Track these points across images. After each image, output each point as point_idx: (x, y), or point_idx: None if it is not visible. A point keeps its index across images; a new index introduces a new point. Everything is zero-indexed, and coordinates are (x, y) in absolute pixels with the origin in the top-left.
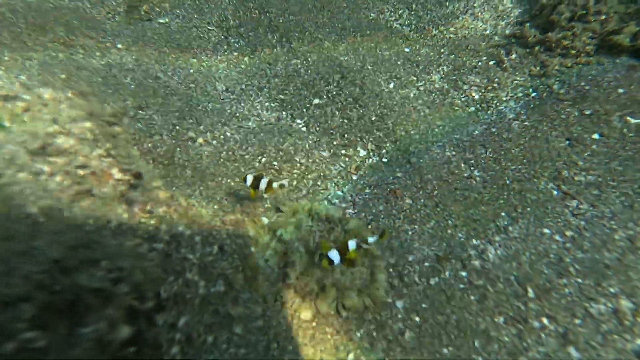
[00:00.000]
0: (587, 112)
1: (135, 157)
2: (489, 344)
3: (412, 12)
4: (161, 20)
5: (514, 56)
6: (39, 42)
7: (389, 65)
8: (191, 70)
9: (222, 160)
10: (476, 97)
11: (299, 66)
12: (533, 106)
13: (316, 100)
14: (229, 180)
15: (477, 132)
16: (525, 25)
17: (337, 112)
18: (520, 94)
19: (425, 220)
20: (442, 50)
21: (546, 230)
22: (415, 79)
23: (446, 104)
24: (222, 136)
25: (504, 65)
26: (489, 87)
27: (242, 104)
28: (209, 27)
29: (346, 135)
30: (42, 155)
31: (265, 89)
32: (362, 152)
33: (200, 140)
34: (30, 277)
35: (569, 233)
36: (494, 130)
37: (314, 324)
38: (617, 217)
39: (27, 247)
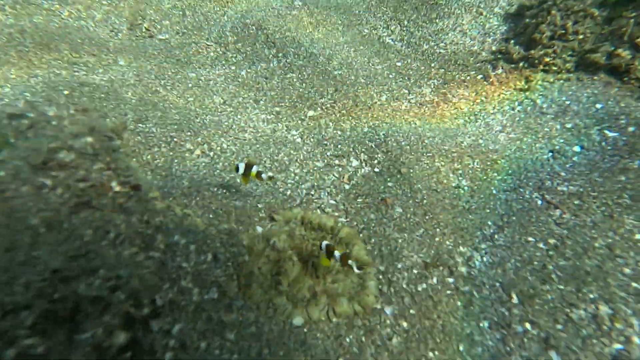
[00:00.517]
0: (568, 126)
1: (134, 170)
2: (473, 347)
3: (404, 28)
4: (161, 37)
5: (500, 71)
6: (44, 60)
7: (381, 78)
8: (190, 84)
9: (218, 171)
10: (465, 109)
11: (294, 80)
12: (518, 119)
13: (311, 112)
14: (224, 190)
15: (465, 143)
16: (510, 42)
17: (331, 124)
18: (507, 107)
19: (415, 228)
20: (432, 65)
21: (530, 239)
22: (406, 91)
23: (436, 116)
24: (219, 148)
25: (491, 80)
26: (477, 100)
27: (239, 116)
28: (208, 43)
29: (339, 146)
30: (45, 169)
31: (261, 102)
32: (355, 162)
33: (198, 151)
34: (31, 286)
35: (552, 241)
36: (481, 141)
37: (305, 330)
38: (598, 226)
39: (28, 257)
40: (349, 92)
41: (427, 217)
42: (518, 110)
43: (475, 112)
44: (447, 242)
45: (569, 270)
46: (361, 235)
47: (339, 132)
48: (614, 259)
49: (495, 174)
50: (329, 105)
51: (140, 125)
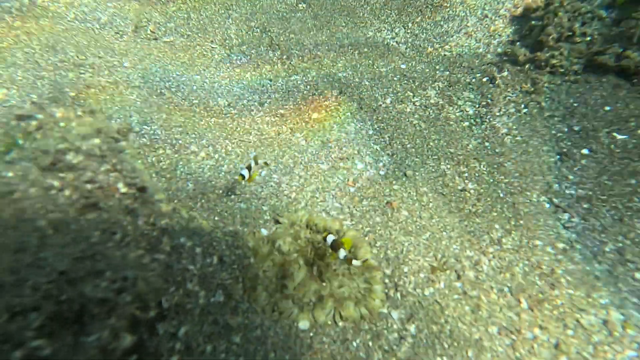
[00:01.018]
0: (576, 128)
1: (140, 171)
2: (482, 353)
3: (409, 31)
4: (166, 39)
5: (505, 73)
6: (51, 62)
7: (386, 81)
8: (194, 87)
9: (223, 173)
10: (470, 112)
11: (299, 82)
12: (524, 122)
13: (315, 115)
14: (229, 193)
15: (471, 146)
16: (516, 44)
17: (335, 126)
18: (512, 110)
19: (421, 231)
20: (437, 67)
21: (538, 242)
22: (411, 94)
23: (441, 118)
24: (223, 150)
25: (497, 82)
26: (483, 103)
27: (244, 119)
28: (212, 45)
29: (344, 149)
30: (53, 171)
31: (266, 104)
32: (360, 165)
33: (202, 154)
34: (38, 288)
35: (560, 245)
36: (487, 144)
37: (311, 333)
38: (608, 230)
39: (36, 258)
40: (353, 95)
41: (433, 221)
42: (524, 113)
43: (481, 114)
44: (454, 246)
45: (579, 275)
46: (367, 238)
47: (344, 135)
48: (624, 263)
49: (502, 177)
50: (333, 108)
51: (145, 127)
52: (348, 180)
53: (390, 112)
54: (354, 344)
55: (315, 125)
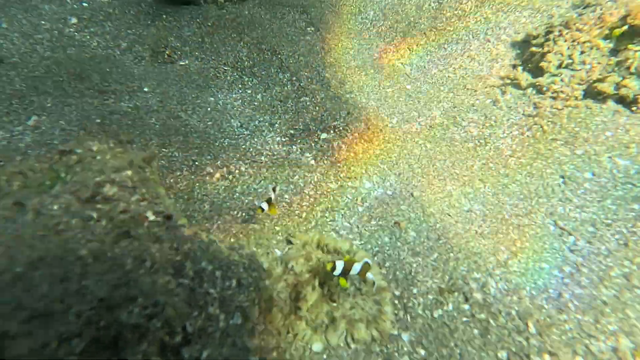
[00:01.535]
0: (579, 152)
1: (163, 197)
2: None
3: (413, 53)
4: (182, 63)
5: (508, 96)
6: (77, 89)
7: (392, 101)
8: (209, 109)
9: (237, 194)
10: (474, 133)
11: (308, 103)
12: (528, 144)
13: (324, 135)
14: (243, 214)
15: (476, 167)
16: (518, 69)
17: (343, 146)
18: (516, 132)
19: (429, 252)
20: (441, 88)
21: (545, 265)
22: (416, 114)
23: (446, 139)
24: (237, 171)
25: (500, 105)
26: (487, 124)
27: (255, 139)
28: (225, 68)
29: (352, 168)
30: (92, 203)
31: (276, 125)
32: (368, 184)
33: (217, 175)
34: (81, 315)
35: (567, 269)
36: (491, 165)
37: (324, 356)
38: (613, 254)
39: (79, 286)
40: (360, 115)
41: (440, 242)
42: (527, 136)
43: (485, 136)
44: (461, 268)
45: (586, 299)
46: (375, 258)
47: (352, 155)
48: (631, 289)
49: (507, 199)
50: (341, 128)
51: (163, 150)
52: (357, 199)
53: (397, 132)
54: None
55: (324, 145)
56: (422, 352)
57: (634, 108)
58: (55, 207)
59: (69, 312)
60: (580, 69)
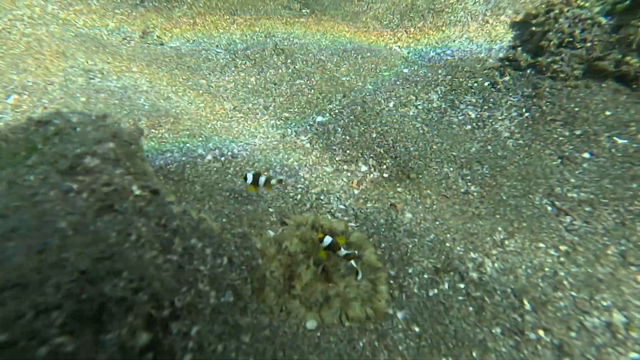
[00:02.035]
0: (578, 132)
1: (150, 174)
2: (487, 354)
3: (410, 36)
4: (172, 45)
5: (507, 78)
6: (60, 68)
7: (388, 85)
8: (200, 91)
9: (230, 176)
10: (472, 115)
11: (303, 86)
12: (527, 125)
13: (319, 118)
14: (236, 195)
15: (473, 149)
16: (517, 49)
17: (339, 129)
18: (515, 114)
19: (425, 233)
20: (439, 72)
21: (541, 245)
22: (414, 98)
23: (444, 122)
24: (230, 153)
25: (499, 87)
26: (485, 107)
27: (249, 122)
28: (218, 50)
29: (348, 152)
30: (72, 174)
31: (270, 108)
32: (364, 168)
33: (209, 157)
34: (61, 287)
35: (563, 248)
36: (489, 147)
37: (318, 333)
38: (610, 233)
39: (58, 258)
40: (357, 99)
41: (437, 223)
42: (526, 117)
43: (483, 118)
44: (458, 248)
45: (581, 277)
46: (371, 239)
47: (348, 138)
48: (627, 266)
49: (505, 180)
50: (337, 111)
51: (153, 130)
52: (352, 182)
53: (394, 116)
54: (360, 343)
55: (320, 128)
56: (417, 329)
57: (634, 86)
58: (32, 177)
59: (47, 284)
60: (580, 47)
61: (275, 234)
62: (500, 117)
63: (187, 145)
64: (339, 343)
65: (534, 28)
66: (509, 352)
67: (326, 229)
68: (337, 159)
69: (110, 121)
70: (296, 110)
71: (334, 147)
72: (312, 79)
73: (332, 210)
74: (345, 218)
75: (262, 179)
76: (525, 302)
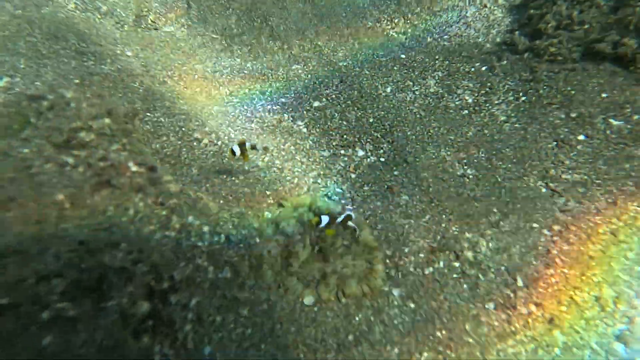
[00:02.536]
0: (573, 115)
1: (147, 154)
2: (480, 327)
3: (408, 21)
4: (167, 29)
5: (505, 62)
6: (53, 50)
7: (386, 70)
8: (196, 76)
9: (227, 159)
10: (469, 100)
11: (300, 71)
12: (523, 109)
13: (316, 103)
14: (233, 178)
15: (470, 133)
16: (515, 33)
17: (336, 114)
18: (511, 98)
19: (421, 214)
20: (436, 57)
21: (535, 225)
22: (411, 83)
23: (441, 107)
24: (226, 137)
25: (496, 71)
26: (482, 92)
27: (245, 107)
28: (213, 36)
29: (345, 136)
30: (67, 148)
31: (267, 93)
32: (361, 152)
33: (206, 140)
34: (60, 256)
35: (556, 227)
36: (486, 131)
37: (315, 308)
38: (602, 212)
39: (56, 229)
40: (354, 84)
41: (433, 204)
42: (523, 101)
43: (480, 103)
44: (453, 228)
45: (573, 254)
46: (368, 221)
47: (345, 123)
48: (618, 244)
49: (500, 163)
50: (334, 96)
51: (148, 114)
52: (349, 166)
53: (391, 101)
54: (357, 318)
55: (317, 113)
56: (412, 305)
57: (631, 67)
58: (26, 150)
59: (47, 253)
60: (578, 29)
61: (273, 215)
62: (497, 102)
63: (183, 129)
64: (336, 318)
65: (532, 11)
66: (501, 325)
67: (323, 211)
68: (334, 143)
69: (109, 100)
70: (293, 95)
71: (331, 132)
72: (309, 64)
73: (329, 193)
74: (343, 201)
75: (248, 144)
76: (518, 279)
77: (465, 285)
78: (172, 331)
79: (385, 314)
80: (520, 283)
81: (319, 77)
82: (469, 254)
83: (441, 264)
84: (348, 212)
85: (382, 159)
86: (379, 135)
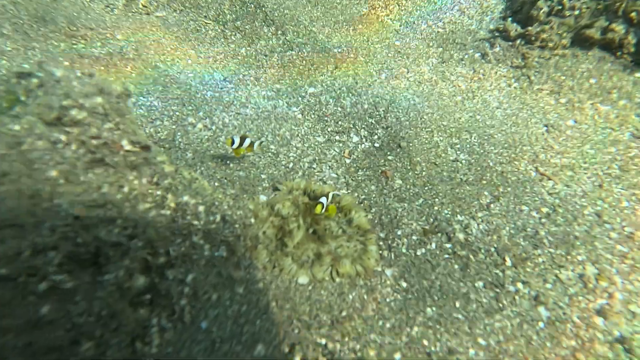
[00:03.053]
0: (563, 101)
1: (141, 135)
2: (469, 304)
3: (402, 8)
4: (158, 14)
5: (497, 49)
6: (41, 33)
7: (380, 57)
8: (189, 61)
9: (221, 143)
10: (463, 87)
11: (294, 57)
12: (515, 95)
13: (311, 90)
14: (228, 162)
15: (463, 119)
16: (507, 20)
17: (331, 101)
18: (503, 84)
19: (414, 198)
20: (430, 44)
21: (524, 208)
22: (405, 70)
23: (435, 93)
24: (220, 122)
25: (489, 58)
26: (475, 78)
27: (240, 93)
28: (206, 21)
29: (340, 122)
30: (58, 125)
31: (261, 79)
32: (355, 138)
33: (200, 125)
34: (55, 229)
35: (544, 209)
36: (478, 117)
37: (310, 287)
38: (588, 195)
39: (51, 204)
40: (349, 70)
41: (426, 188)
42: (514, 87)
43: (473, 89)
44: (445, 211)
45: (560, 235)
46: (362, 205)
47: (340, 109)
48: (602, 224)
49: (492, 148)
50: (329, 82)
51: (142, 98)
52: (344, 152)
53: (385, 87)
54: (350, 296)
55: (312, 99)
56: (404, 284)
57: (618, 53)
58: (17, 127)
59: (42, 226)
60: (569, 15)
61: (268, 198)
62: (489, 88)
63: (177, 113)
64: (330, 296)
65: None
66: (489, 302)
67: (318, 194)
68: (329, 129)
69: (97, 79)
70: (287, 81)
71: (326, 118)
72: (304, 50)
73: (324, 178)
74: (337, 186)
75: (247, 141)
76: (507, 259)
77: (456, 266)
78: (170, 304)
79: (378, 292)
80: (509, 263)
81: (314, 64)
82: (461, 236)
83: (433, 245)
84: (335, 193)
85: (377, 145)
86: (373, 121)
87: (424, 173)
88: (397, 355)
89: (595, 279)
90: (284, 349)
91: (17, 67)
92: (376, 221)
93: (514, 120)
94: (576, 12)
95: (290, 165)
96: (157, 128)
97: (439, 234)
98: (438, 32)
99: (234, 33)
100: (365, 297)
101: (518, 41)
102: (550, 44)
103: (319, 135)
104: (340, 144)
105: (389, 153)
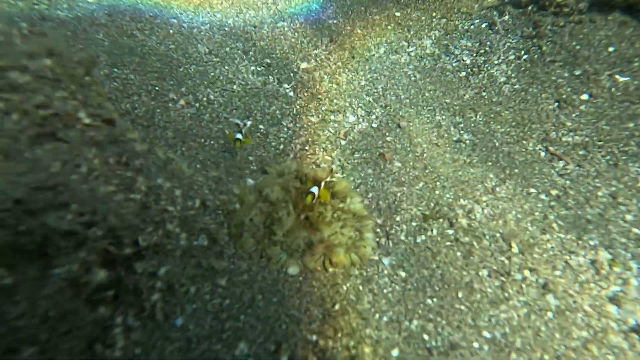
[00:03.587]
0: (577, 73)
1: (109, 110)
2: (472, 294)
3: None
4: None
5: (506, 17)
6: None
7: (379, 29)
8: (171, 31)
9: (205, 122)
10: (467, 61)
11: (286, 29)
12: (524, 69)
13: (304, 65)
14: (212, 142)
15: (467, 96)
16: None
17: (325, 77)
18: (512, 57)
19: (414, 182)
20: (433, 14)
21: (532, 190)
22: (406, 44)
23: (437, 69)
24: (205, 98)
25: (497, 28)
26: (481, 51)
27: (227, 67)
28: None
29: (335, 101)
30: None
31: (250, 52)
32: (352, 118)
33: (182, 102)
34: None
35: (554, 192)
36: (484, 94)
37: (300, 278)
38: (602, 175)
39: None
40: (345, 44)
41: (427, 171)
42: (524, 59)
43: (479, 63)
44: (448, 195)
45: (570, 219)
46: (358, 189)
47: (335, 86)
48: (616, 206)
49: (499, 127)
50: (323, 57)
51: (115, 70)
52: (339, 133)
53: (384, 63)
54: (344, 287)
55: (305, 75)
56: (403, 274)
57: None
58: None
59: None
60: None
61: (256, 181)
62: (496, 62)
63: (157, 88)
64: (322, 287)
65: None
66: (494, 292)
67: (310, 178)
68: (322, 108)
69: (48, 38)
70: (278, 55)
71: (320, 96)
72: (296, 22)
73: (317, 161)
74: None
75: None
76: (514, 245)
77: (459, 253)
78: (138, 300)
79: (374, 282)
80: (515, 249)
81: (307, 36)
82: (464, 221)
83: (434, 231)
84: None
85: (375, 125)
86: (371, 100)
87: (424, 155)
88: (395, 352)
89: (609, 265)
90: (270, 347)
91: None
92: (373, 207)
93: (522, 96)
94: None
95: (281, 147)
96: (134, 104)
97: (441, 220)
98: (442, 0)
99: (220, 2)
100: (361, 288)
101: (530, 7)
102: (566, 9)
103: (313, 115)
104: (335, 124)
105: (387, 134)
